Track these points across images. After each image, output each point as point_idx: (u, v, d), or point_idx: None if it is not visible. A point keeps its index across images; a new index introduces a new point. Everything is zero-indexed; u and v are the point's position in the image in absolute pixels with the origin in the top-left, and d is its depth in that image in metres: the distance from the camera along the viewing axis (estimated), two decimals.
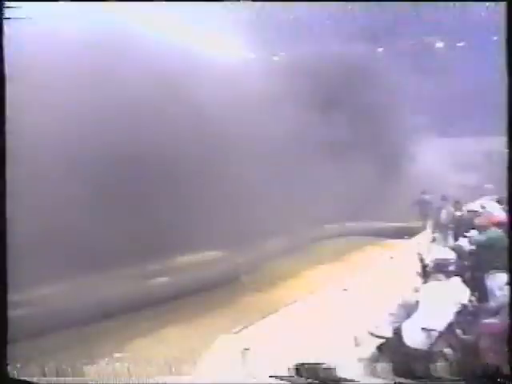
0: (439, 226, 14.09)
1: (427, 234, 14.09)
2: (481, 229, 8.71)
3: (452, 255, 6.66)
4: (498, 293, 6.70)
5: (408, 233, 16.41)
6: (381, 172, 19.46)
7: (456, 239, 10.76)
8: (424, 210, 16.60)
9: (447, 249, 7.97)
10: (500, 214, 9.66)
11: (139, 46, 12.26)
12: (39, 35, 10.11)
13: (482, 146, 25.42)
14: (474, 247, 8.27)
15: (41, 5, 9.86)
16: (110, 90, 11.14)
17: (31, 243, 8.39)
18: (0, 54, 5.30)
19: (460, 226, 12.82)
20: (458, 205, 14.15)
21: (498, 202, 13.73)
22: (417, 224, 16.62)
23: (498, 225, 8.54)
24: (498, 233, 8.13)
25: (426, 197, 15.97)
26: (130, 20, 12.39)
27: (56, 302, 9.99)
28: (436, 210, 15.01)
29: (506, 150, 5.02)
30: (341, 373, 5.13)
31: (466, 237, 9.39)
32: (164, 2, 12.25)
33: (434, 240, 12.18)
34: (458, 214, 13.77)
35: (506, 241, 8.02)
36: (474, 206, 13.64)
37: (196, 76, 12.94)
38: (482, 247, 8.07)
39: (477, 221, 9.43)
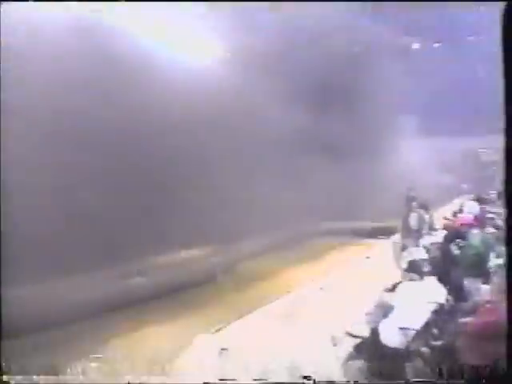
0: (408, 231, 13.71)
1: (397, 239, 13.70)
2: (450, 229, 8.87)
3: (425, 256, 6.74)
4: (475, 292, 6.80)
5: (386, 232, 16.48)
6: (360, 172, 19.55)
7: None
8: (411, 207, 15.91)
9: (421, 249, 8.06)
10: (467, 215, 9.82)
11: (116, 47, 12.17)
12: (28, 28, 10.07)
13: (459, 146, 25.72)
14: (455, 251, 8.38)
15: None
16: (94, 88, 11.12)
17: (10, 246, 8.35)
18: None
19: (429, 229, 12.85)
20: (426, 207, 14.00)
21: (477, 200, 13.91)
22: (394, 223, 16.67)
23: (467, 226, 8.69)
24: (478, 238, 8.26)
25: (413, 194, 15.56)
26: (109, 21, 12.29)
27: (34, 302, 9.90)
28: (405, 214, 14.57)
29: (504, 150, 5.09)
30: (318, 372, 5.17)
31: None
32: (139, 2, 12.16)
33: (403, 248, 11.89)
34: (427, 216, 13.68)
35: (485, 247, 8.21)
36: (453, 206, 13.70)
37: (170, 77, 12.89)
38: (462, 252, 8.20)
39: (445, 223, 9.59)
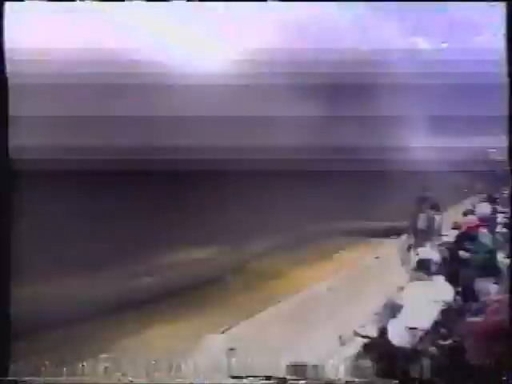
0: (416, 232, 13.42)
1: (404, 239, 13.37)
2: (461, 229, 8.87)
3: (436, 256, 6.72)
4: (484, 292, 6.78)
5: (396, 232, 16.39)
6: (370, 171, 19.48)
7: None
8: (422, 207, 15.38)
9: (430, 249, 8.05)
10: (472, 218, 9.79)
11: (123, 47, 12.15)
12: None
13: (470, 145, 25.58)
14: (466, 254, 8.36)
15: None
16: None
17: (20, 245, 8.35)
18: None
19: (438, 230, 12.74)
20: (436, 208, 13.82)
21: (488, 200, 13.83)
22: (405, 223, 16.59)
23: (475, 228, 8.67)
24: (489, 238, 8.27)
25: (428, 194, 15.20)
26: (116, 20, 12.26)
27: (41, 302, 9.91)
28: (415, 214, 14.23)
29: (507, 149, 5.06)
30: (326, 372, 5.14)
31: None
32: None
33: (409, 248, 11.66)
34: (437, 217, 13.51)
35: (495, 245, 8.20)
36: (464, 206, 13.59)
37: (179, 76, 12.86)
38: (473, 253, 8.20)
39: (455, 224, 9.57)
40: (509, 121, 4.91)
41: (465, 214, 11.36)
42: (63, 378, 5.34)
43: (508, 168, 5.16)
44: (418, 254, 6.74)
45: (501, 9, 4.85)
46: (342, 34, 18.85)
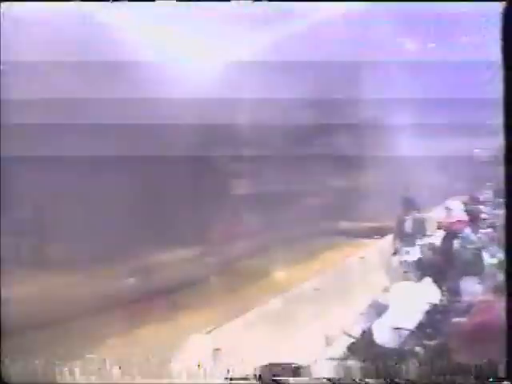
0: (402, 235, 13.34)
1: (389, 243, 13.31)
2: (447, 229, 8.89)
3: (421, 256, 6.77)
4: (470, 292, 6.81)
5: (381, 232, 16.43)
6: (354, 171, 19.55)
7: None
8: (407, 208, 15.31)
9: (416, 250, 8.08)
10: (462, 214, 9.86)
11: (116, 49, 12.09)
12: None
13: (453, 146, 25.74)
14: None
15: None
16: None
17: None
18: None
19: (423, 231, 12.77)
20: (419, 209, 13.86)
21: (471, 200, 13.91)
22: (389, 224, 16.62)
23: (463, 224, 8.72)
24: (471, 236, 8.32)
25: (410, 194, 15.13)
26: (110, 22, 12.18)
27: (27, 302, 9.86)
28: (400, 217, 14.16)
29: (503, 148, 5.08)
30: (312, 372, 5.15)
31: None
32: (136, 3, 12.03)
33: (396, 252, 11.66)
34: (423, 219, 13.55)
35: (481, 243, 8.25)
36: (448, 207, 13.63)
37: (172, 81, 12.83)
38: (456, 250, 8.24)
39: (443, 222, 9.60)
40: (504, 122, 4.93)
41: (449, 214, 11.43)
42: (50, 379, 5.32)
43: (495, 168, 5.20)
44: (404, 256, 6.78)
45: (498, 8, 4.85)
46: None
